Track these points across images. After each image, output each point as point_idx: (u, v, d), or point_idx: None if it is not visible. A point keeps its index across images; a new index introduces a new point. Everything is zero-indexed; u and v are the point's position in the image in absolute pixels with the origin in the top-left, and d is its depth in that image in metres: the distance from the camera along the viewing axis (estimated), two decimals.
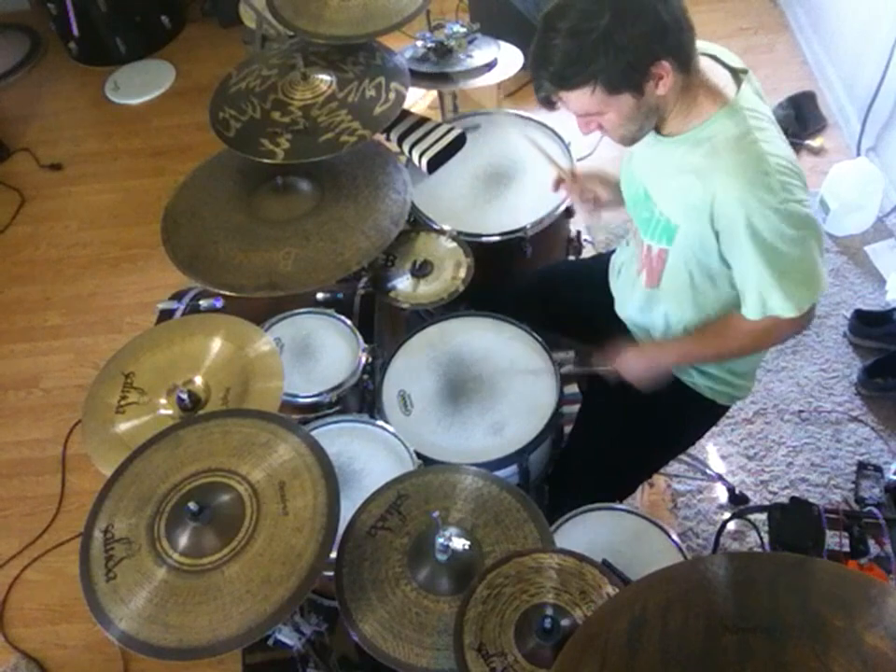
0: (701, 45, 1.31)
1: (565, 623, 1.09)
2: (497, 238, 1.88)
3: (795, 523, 1.55)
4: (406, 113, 1.91)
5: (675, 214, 1.35)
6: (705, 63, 1.29)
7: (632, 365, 1.52)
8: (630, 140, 1.33)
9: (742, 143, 1.23)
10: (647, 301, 1.53)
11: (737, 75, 1.32)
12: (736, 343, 1.44)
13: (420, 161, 1.88)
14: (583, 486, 1.58)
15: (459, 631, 1.11)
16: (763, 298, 1.29)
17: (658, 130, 1.34)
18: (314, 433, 1.39)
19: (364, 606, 1.21)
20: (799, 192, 1.23)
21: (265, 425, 1.30)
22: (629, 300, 1.60)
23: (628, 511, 1.46)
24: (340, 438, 1.59)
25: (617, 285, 1.67)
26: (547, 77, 1.21)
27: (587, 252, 2.18)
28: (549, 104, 1.27)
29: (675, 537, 1.40)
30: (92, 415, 1.47)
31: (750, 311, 1.33)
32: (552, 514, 1.37)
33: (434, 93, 2.88)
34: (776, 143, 1.25)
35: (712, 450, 2.24)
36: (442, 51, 2.06)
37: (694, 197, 1.28)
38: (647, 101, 1.24)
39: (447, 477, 1.36)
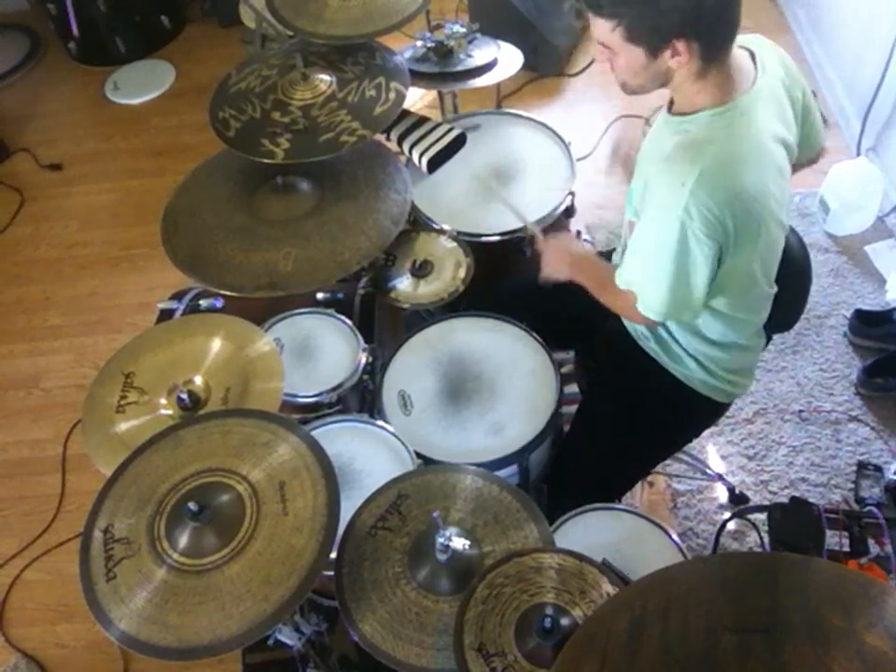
0: (747, 38, 1.35)
1: (565, 622, 1.09)
2: (496, 238, 1.88)
3: (795, 523, 1.56)
4: (406, 113, 1.91)
5: (640, 185, 1.40)
6: (737, 58, 1.29)
7: (553, 253, 1.62)
8: (629, 90, 1.36)
9: (694, 147, 1.26)
10: None
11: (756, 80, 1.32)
12: (607, 297, 1.52)
13: (420, 161, 1.88)
14: (581, 484, 1.58)
15: (459, 631, 1.11)
16: (627, 273, 1.40)
17: (669, 108, 1.37)
18: (314, 433, 1.39)
19: (364, 606, 1.21)
20: (703, 225, 1.25)
21: (265, 425, 1.30)
22: None
23: (628, 511, 1.46)
24: (340, 438, 1.59)
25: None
26: None
27: None
28: (579, 13, 1.34)
29: (675, 537, 1.40)
30: (92, 415, 1.47)
31: (618, 276, 1.43)
32: (552, 514, 1.37)
33: (434, 93, 2.88)
34: (722, 169, 1.25)
35: (712, 450, 2.24)
36: (442, 51, 2.06)
37: (651, 176, 1.34)
38: (658, 65, 1.27)
39: (447, 477, 1.36)
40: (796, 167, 1.51)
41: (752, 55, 1.34)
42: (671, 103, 1.38)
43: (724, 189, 1.25)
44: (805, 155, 1.50)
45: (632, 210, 1.46)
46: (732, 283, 1.37)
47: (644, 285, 1.37)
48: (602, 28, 1.26)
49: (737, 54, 1.30)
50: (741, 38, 1.33)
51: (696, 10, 1.18)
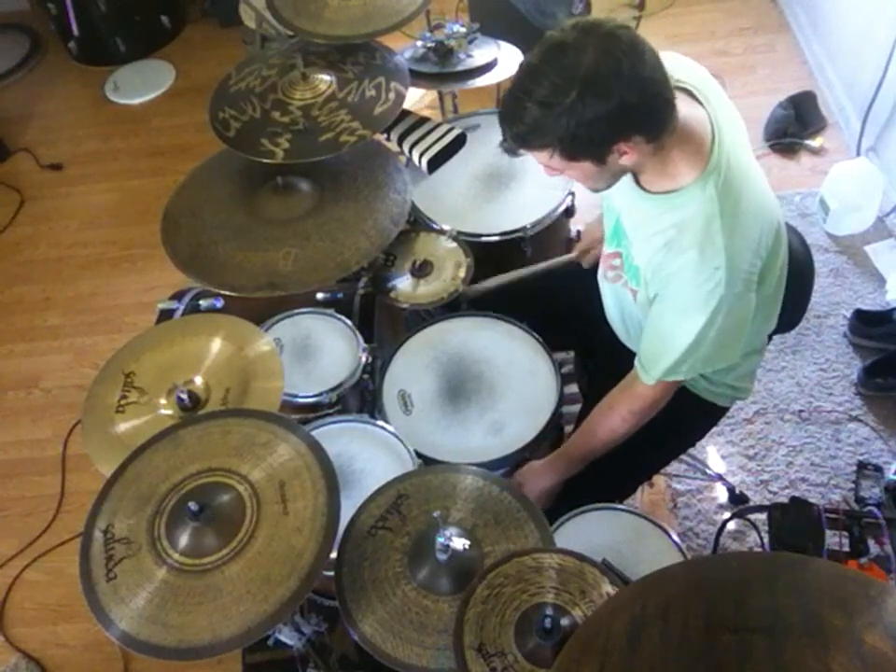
0: (680, 72, 1.30)
1: (565, 622, 1.09)
2: (496, 238, 1.89)
3: (795, 523, 1.55)
4: (406, 113, 1.91)
5: (643, 264, 1.38)
6: (682, 111, 1.24)
7: (533, 482, 1.54)
8: (599, 191, 1.37)
9: (707, 231, 1.25)
10: (630, 308, 1.54)
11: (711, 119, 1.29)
12: (614, 425, 1.48)
13: (420, 161, 1.88)
14: (583, 487, 1.58)
15: (459, 631, 1.11)
16: (668, 364, 1.35)
17: (636, 179, 1.35)
18: (314, 433, 1.39)
19: (364, 606, 1.21)
20: (742, 288, 1.26)
21: (265, 425, 1.30)
22: (611, 304, 1.62)
23: (628, 511, 1.46)
24: (340, 438, 1.59)
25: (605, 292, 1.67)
26: (510, 135, 1.24)
27: None
28: (511, 151, 1.32)
29: (675, 537, 1.40)
30: (92, 415, 1.47)
31: (649, 376, 1.39)
32: (552, 514, 1.37)
33: (434, 93, 2.87)
34: (736, 231, 1.25)
35: (712, 450, 2.24)
36: (442, 51, 2.06)
37: (656, 262, 1.32)
38: (610, 167, 1.26)
39: (447, 477, 1.35)
40: None
41: (690, 93, 1.31)
42: (638, 179, 1.34)
43: (748, 246, 1.26)
44: None
45: (633, 278, 1.43)
46: (762, 304, 1.38)
47: (693, 367, 1.36)
48: (541, 157, 1.25)
49: (680, 104, 1.24)
50: None
51: (625, 110, 1.15)
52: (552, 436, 1.66)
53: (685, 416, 1.61)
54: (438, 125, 1.93)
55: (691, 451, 2.17)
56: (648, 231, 1.34)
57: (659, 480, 2.17)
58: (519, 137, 1.23)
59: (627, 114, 1.16)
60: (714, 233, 1.24)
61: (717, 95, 1.35)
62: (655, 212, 1.32)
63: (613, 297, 1.58)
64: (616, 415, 1.48)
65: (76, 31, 3.50)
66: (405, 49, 2.09)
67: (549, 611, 1.09)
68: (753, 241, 1.27)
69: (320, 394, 1.65)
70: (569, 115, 1.15)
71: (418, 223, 1.95)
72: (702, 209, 1.25)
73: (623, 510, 1.47)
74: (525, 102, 1.17)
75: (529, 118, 1.18)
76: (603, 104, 1.14)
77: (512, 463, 1.59)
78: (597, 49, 1.13)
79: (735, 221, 1.25)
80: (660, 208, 1.31)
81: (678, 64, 1.33)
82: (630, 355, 1.47)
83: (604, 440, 1.50)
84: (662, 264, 1.31)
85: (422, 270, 1.82)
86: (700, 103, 1.30)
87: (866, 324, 2.37)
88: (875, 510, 1.59)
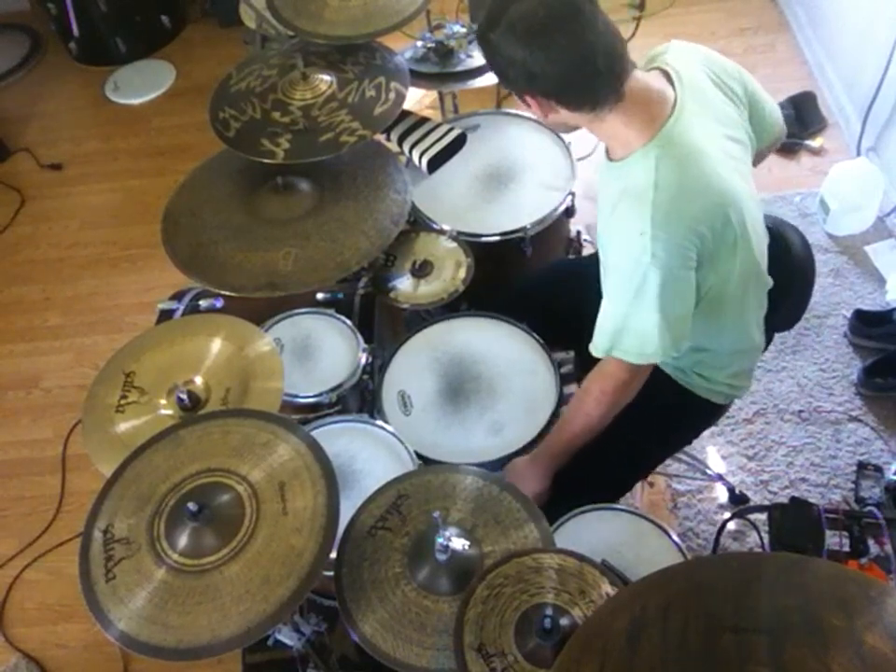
0: (670, 54, 1.35)
1: (565, 623, 1.09)
2: (497, 238, 1.88)
3: (795, 523, 1.55)
4: (406, 113, 1.91)
5: (600, 235, 1.40)
6: (645, 89, 1.28)
7: (521, 483, 1.51)
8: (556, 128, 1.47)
9: (638, 197, 1.27)
10: None
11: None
12: (581, 412, 1.48)
13: (420, 161, 1.88)
14: (581, 485, 1.58)
15: (459, 631, 1.11)
16: (608, 335, 1.36)
17: (607, 155, 1.39)
18: (314, 433, 1.39)
19: (364, 606, 1.21)
20: (677, 258, 1.26)
21: (265, 425, 1.30)
22: None
23: (628, 511, 1.46)
24: (340, 438, 1.59)
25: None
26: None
27: (587, 252, 2.18)
28: None
29: (675, 537, 1.40)
30: (92, 415, 1.47)
31: (594, 346, 1.40)
32: (551, 514, 1.37)
33: (434, 93, 2.87)
34: (674, 202, 1.25)
35: (712, 450, 2.24)
36: (442, 51, 2.06)
37: (602, 229, 1.37)
38: (535, 112, 1.33)
39: (447, 477, 1.35)
40: (760, 156, 1.52)
41: (666, 74, 1.33)
42: (606, 149, 1.38)
43: (682, 220, 1.26)
44: (766, 142, 1.50)
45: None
46: (727, 292, 1.38)
47: (633, 342, 1.35)
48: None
49: (645, 83, 1.28)
50: (651, 55, 1.37)
51: (531, 76, 1.23)
52: None
53: (682, 413, 1.62)
54: (438, 125, 1.93)
55: (691, 451, 2.17)
56: (604, 199, 1.37)
57: (659, 480, 2.17)
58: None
59: (530, 77, 1.24)
60: (645, 201, 1.25)
61: (710, 79, 1.36)
62: (611, 178, 1.35)
63: None
64: (589, 397, 1.47)
65: (76, 31, 3.50)
66: (405, 49, 2.10)
67: (549, 612, 1.09)
68: (689, 217, 1.26)
69: (320, 394, 1.65)
70: (487, 47, 1.28)
71: (418, 223, 1.95)
72: (642, 176, 1.27)
73: (623, 510, 1.46)
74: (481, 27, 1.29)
75: (479, 41, 1.31)
76: (512, 50, 1.22)
77: None
78: (544, 4, 1.20)
79: (670, 194, 1.25)
80: (613, 174, 1.34)
81: (672, 49, 1.38)
82: None
83: (581, 424, 1.49)
84: (604, 230, 1.35)
85: (422, 270, 1.82)
86: (672, 84, 1.32)
87: (866, 324, 2.37)
88: (874, 510, 1.59)
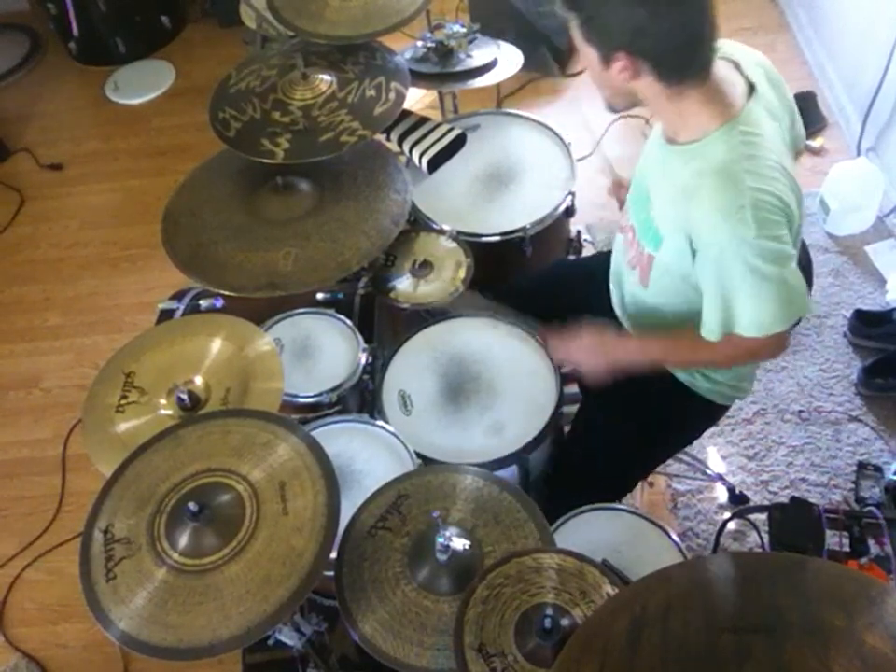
0: (727, 48, 1.32)
1: (565, 623, 1.09)
2: (497, 238, 1.88)
3: (795, 523, 1.56)
4: (406, 113, 1.91)
5: (663, 223, 1.36)
6: (721, 72, 1.27)
7: (587, 355, 1.51)
8: (607, 105, 1.37)
9: (727, 172, 1.23)
10: (638, 299, 1.53)
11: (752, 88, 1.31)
12: (708, 357, 1.45)
13: (420, 161, 1.88)
14: (581, 485, 1.58)
15: (459, 631, 1.11)
16: (724, 317, 1.30)
17: (666, 139, 1.35)
18: (314, 433, 1.39)
19: (364, 606, 1.21)
20: (776, 228, 1.23)
21: (265, 425, 1.30)
22: (623, 297, 1.61)
23: (628, 511, 1.46)
24: (340, 438, 1.59)
25: (612, 283, 1.67)
26: None
27: (587, 251, 2.18)
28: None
29: (675, 537, 1.40)
30: (92, 415, 1.47)
31: (707, 330, 1.34)
32: (551, 514, 1.37)
33: (434, 93, 2.87)
34: (763, 174, 1.23)
35: (712, 450, 2.24)
36: (442, 51, 2.06)
37: (678, 214, 1.30)
38: (611, 77, 1.26)
39: (447, 477, 1.36)
40: None
41: (737, 65, 1.32)
42: (667, 133, 1.36)
43: (775, 185, 1.23)
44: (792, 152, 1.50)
45: (651, 242, 1.40)
46: None
47: (752, 317, 1.28)
48: (572, 23, 1.27)
49: (721, 68, 1.28)
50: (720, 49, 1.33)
51: (638, 29, 1.18)
52: (552, 436, 1.66)
53: (684, 413, 1.62)
54: (438, 125, 1.93)
55: (691, 451, 2.17)
56: (670, 185, 1.33)
57: (659, 480, 2.17)
58: None
59: (640, 34, 1.18)
60: (736, 174, 1.22)
61: (767, 80, 1.35)
62: (678, 163, 1.31)
63: (636, 298, 1.56)
64: (727, 359, 1.45)
65: (76, 31, 3.50)
66: (405, 49, 2.09)
67: (549, 612, 1.09)
68: (778, 192, 1.23)
69: (320, 394, 1.65)
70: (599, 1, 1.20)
71: (418, 223, 1.95)
72: (727, 153, 1.24)
73: (622, 510, 1.47)
74: None
75: None
76: (623, 11, 1.17)
77: (512, 463, 1.59)
78: None
79: (763, 166, 1.23)
80: (682, 158, 1.30)
81: (735, 47, 1.36)
82: None
83: (706, 363, 1.49)
84: (683, 215, 1.29)
85: (422, 270, 1.82)
86: (742, 74, 1.31)
87: (866, 324, 2.37)
88: (874, 510, 1.59)
